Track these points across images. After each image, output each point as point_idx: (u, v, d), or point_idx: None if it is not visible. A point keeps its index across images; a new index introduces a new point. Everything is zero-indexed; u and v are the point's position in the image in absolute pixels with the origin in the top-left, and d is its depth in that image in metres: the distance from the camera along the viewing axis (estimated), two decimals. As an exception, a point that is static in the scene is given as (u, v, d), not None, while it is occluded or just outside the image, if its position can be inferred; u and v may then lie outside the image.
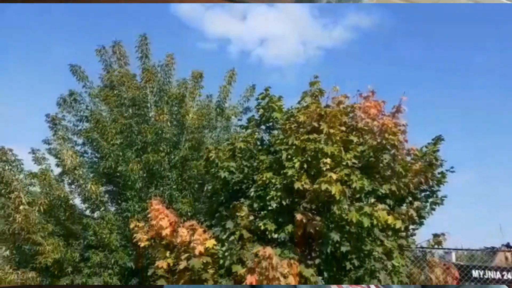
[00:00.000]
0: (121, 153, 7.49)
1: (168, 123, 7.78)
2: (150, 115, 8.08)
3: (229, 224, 6.00)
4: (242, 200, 6.31)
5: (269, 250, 5.21)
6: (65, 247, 6.66)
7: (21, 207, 6.44)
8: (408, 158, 6.42)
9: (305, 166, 5.91)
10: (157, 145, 7.65)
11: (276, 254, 5.30)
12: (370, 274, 5.56)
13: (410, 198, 6.23)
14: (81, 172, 7.11)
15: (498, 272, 7.19)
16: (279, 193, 6.06)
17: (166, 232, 6.20)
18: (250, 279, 5.18)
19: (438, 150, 6.60)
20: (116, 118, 7.72)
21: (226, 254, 5.76)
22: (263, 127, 7.36)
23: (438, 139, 6.70)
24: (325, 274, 6.25)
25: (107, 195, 7.98)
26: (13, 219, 6.43)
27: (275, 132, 6.95)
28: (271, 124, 7.24)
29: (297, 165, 5.80)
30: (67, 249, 6.69)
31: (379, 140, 6.01)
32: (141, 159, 7.58)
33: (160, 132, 7.70)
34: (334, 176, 5.42)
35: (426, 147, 6.67)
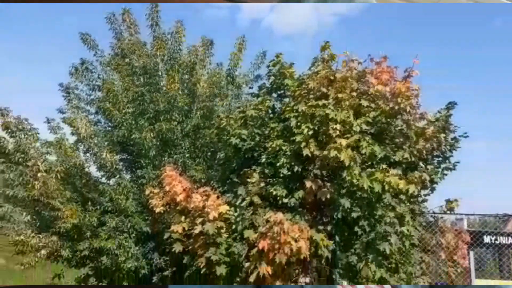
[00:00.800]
0: (133, 122, 7.55)
1: (180, 91, 7.76)
2: (162, 84, 8.06)
3: (241, 191, 6.10)
4: (253, 167, 6.39)
5: (280, 215, 5.31)
6: (82, 213, 6.86)
7: (39, 174, 6.62)
8: (421, 124, 6.34)
9: (314, 132, 5.91)
10: (169, 114, 7.67)
11: (287, 220, 5.40)
12: (381, 238, 5.63)
13: (422, 164, 6.19)
14: (95, 141, 7.22)
15: (510, 238, 7.19)
16: (289, 160, 6.10)
17: (180, 198, 6.35)
18: (262, 244, 5.30)
19: (451, 115, 6.49)
20: (127, 87, 7.73)
21: (238, 219, 5.89)
22: (274, 94, 7.31)
23: (451, 105, 6.57)
24: (337, 238, 6.38)
25: (121, 163, 8.10)
26: (32, 186, 6.62)
27: (287, 100, 6.91)
28: (282, 91, 7.19)
29: (305, 131, 5.78)
30: (85, 214, 6.88)
31: (391, 105, 5.92)
32: (154, 127, 7.63)
33: (172, 100, 7.70)
34: (344, 143, 5.40)
35: (439, 112, 6.56)
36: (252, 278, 5.49)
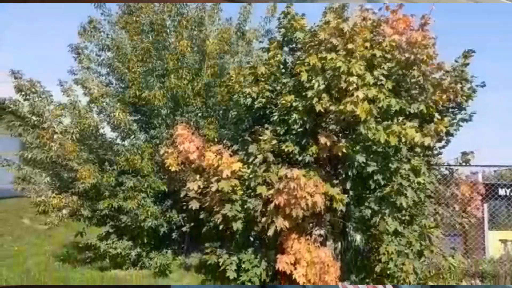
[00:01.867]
0: (143, 80, 7.49)
1: (189, 48, 7.61)
2: (170, 41, 7.90)
3: (253, 148, 6.12)
4: (266, 125, 6.36)
5: (296, 171, 5.34)
6: (100, 173, 6.99)
7: (55, 136, 6.71)
8: (438, 75, 6.15)
9: (326, 87, 5.77)
10: (179, 72, 7.57)
11: (302, 175, 5.43)
12: (396, 192, 5.64)
13: (439, 116, 6.07)
14: (108, 101, 7.23)
15: (524, 190, 7.17)
16: (301, 116, 6.03)
17: (193, 156, 6.42)
18: (279, 199, 5.38)
19: (468, 64, 6.26)
20: (136, 45, 7.61)
21: (251, 176, 5.95)
22: (285, 48, 7.11)
23: (468, 53, 6.31)
24: (350, 193, 6.43)
25: (135, 124, 8.15)
26: (49, 148, 6.73)
27: (299, 53, 6.73)
28: (294, 45, 6.99)
29: (316, 86, 5.66)
30: (102, 175, 7.02)
31: (407, 56, 5.72)
32: (164, 85, 7.58)
33: (181, 58, 7.58)
34: (361, 96, 5.28)
35: (456, 61, 6.32)
36: (270, 232, 5.62)
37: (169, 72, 7.59)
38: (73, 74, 7.79)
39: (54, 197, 6.87)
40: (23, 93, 7.00)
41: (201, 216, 6.61)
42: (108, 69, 8.38)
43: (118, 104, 7.32)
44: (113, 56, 7.88)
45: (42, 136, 6.69)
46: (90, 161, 7.15)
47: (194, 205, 6.35)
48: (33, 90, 7.03)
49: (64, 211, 6.99)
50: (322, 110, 5.69)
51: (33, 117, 7.02)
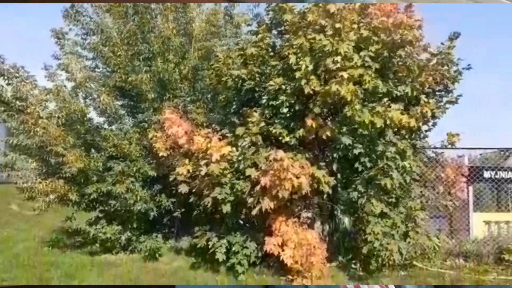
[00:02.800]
0: (129, 64, 7.38)
1: (174, 31, 7.50)
2: (157, 24, 7.76)
3: (241, 131, 6.13)
4: (254, 108, 6.35)
5: (280, 153, 5.37)
6: (87, 158, 6.94)
7: (39, 121, 6.61)
8: (424, 56, 6.18)
9: (315, 68, 5.77)
10: (165, 55, 7.48)
11: (288, 157, 5.46)
12: (383, 173, 5.71)
13: (425, 98, 6.12)
14: (93, 86, 7.13)
15: (510, 172, 7.29)
16: (289, 98, 6.04)
17: (182, 140, 6.40)
18: (264, 180, 5.42)
19: (454, 46, 6.28)
20: (120, 28, 7.47)
21: (240, 158, 5.97)
22: (274, 32, 7.08)
23: (454, 36, 6.32)
24: (338, 176, 6.50)
25: (123, 110, 8.06)
26: (34, 133, 6.64)
27: (287, 36, 6.68)
28: (282, 28, 6.95)
29: (303, 67, 5.64)
30: (90, 159, 6.98)
31: (393, 37, 5.74)
32: (150, 68, 7.49)
33: (166, 40, 7.47)
34: (345, 76, 5.30)
35: (442, 44, 6.34)
36: (254, 212, 5.68)
37: (155, 55, 7.48)
38: (56, 59, 7.65)
39: (40, 182, 6.81)
40: (5, 77, 6.85)
41: (191, 200, 6.63)
42: (94, 54, 8.23)
43: (103, 88, 7.21)
44: (98, 40, 7.73)
45: (26, 121, 6.59)
46: (77, 146, 7.08)
47: (184, 188, 6.36)
48: (16, 75, 6.88)
49: (51, 196, 6.94)
50: (311, 92, 5.69)
51: (17, 102, 6.89)
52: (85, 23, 7.90)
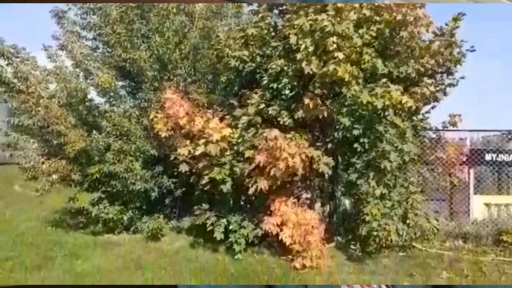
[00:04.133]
0: (128, 40, 7.29)
1: (175, 10, 7.40)
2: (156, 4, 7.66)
3: (240, 112, 6.11)
4: (255, 90, 6.32)
5: (275, 132, 5.36)
6: (89, 138, 6.96)
7: (41, 101, 6.62)
8: (427, 37, 6.10)
9: (315, 49, 5.69)
10: (164, 33, 7.40)
11: (284, 137, 5.46)
12: (381, 155, 5.70)
13: (428, 80, 6.06)
14: (93, 65, 7.09)
15: (511, 155, 7.25)
16: (291, 80, 6.00)
17: (183, 121, 6.38)
18: (259, 159, 5.44)
19: (458, 27, 6.18)
20: (119, 4, 7.36)
21: (239, 140, 5.98)
22: (275, 11, 6.98)
23: (459, 16, 6.22)
24: (339, 158, 6.50)
25: (123, 90, 8.04)
26: (36, 113, 6.66)
27: (288, 16, 6.59)
28: (284, 7, 6.85)
29: (303, 47, 5.57)
30: (92, 139, 7.00)
31: (396, 16, 5.64)
32: (149, 46, 7.41)
33: (166, 18, 7.37)
34: (341, 56, 5.24)
35: (446, 24, 6.24)
36: (251, 191, 5.72)
37: (154, 33, 7.40)
38: (56, 39, 7.59)
39: (43, 162, 6.85)
40: (5, 58, 6.82)
41: (191, 181, 6.66)
42: (93, 33, 8.17)
43: (104, 67, 7.17)
44: (97, 19, 7.65)
45: (27, 100, 6.59)
46: (78, 126, 7.09)
47: (184, 168, 6.38)
48: (16, 55, 6.86)
49: (54, 176, 6.99)
50: (311, 73, 5.64)
51: (18, 82, 6.88)
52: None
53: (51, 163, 6.91)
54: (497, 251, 6.06)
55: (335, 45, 5.26)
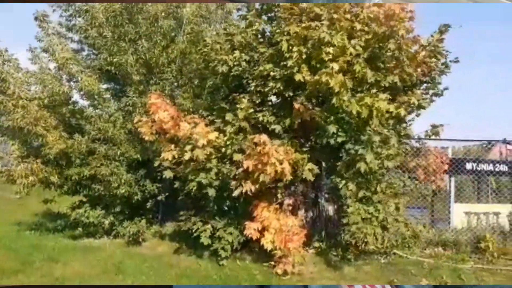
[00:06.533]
0: (115, 45, 7.25)
1: (163, 13, 7.39)
2: (145, 5, 7.63)
3: (228, 116, 6.11)
4: (242, 94, 6.33)
5: (263, 137, 5.37)
6: (70, 140, 6.86)
7: (20, 102, 6.51)
8: (414, 49, 6.21)
9: (307, 57, 5.75)
10: (152, 37, 7.38)
11: (271, 142, 5.47)
12: (358, 158, 5.72)
13: (415, 90, 6.18)
14: (76, 68, 7.01)
15: (491, 165, 7.40)
16: (278, 85, 6.02)
17: (167, 126, 6.33)
18: (247, 163, 5.44)
19: (443, 39, 6.32)
20: (106, 7, 7.31)
21: (228, 143, 5.97)
22: (264, 17, 7.02)
23: (444, 27, 6.36)
24: (323, 164, 6.54)
25: (108, 93, 7.96)
26: (14, 113, 6.54)
27: (279, 23, 6.62)
28: (272, 14, 6.90)
29: (295, 55, 5.63)
30: (73, 141, 6.89)
31: (384, 29, 5.75)
32: (136, 50, 7.38)
33: (154, 21, 7.35)
34: (336, 67, 5.30)
35: (432, 36, 6.38)
36: (235, 193, 5.71)
37: (141, 37, 7.36)
38: (39, 41, 7.49)
39: (18, 163, 6.72)
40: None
41: (176, 186, 6.60)
42: (79, 35, 8.09)
43: (87, 70, 7.10)
44: (83, 21, 7.58)
45: (5, 102, 6.47)
46: (60, 128, 6.98)
47: (168, 174, 6.33)
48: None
49: (31, 178, 6.83)
50: (302, 80, 5.68)
51: (-1, 83, 6.76)
52: (71, 4, 7.73)
53: (27, 165, 6.76)
54: (475, 259, 6.15)
55: (330, 56, 5.30)
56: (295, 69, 5.72)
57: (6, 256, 6.42)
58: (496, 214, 7.09)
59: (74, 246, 7.07)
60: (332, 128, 5.75)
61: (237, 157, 5.80)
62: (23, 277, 5.54)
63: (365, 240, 5.54)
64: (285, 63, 5.86)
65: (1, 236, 7.44)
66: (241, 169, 5.57)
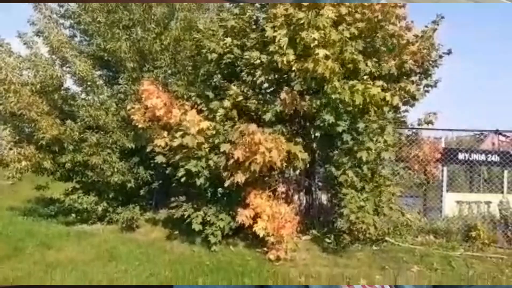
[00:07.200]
0: (108, 31, 7.16)
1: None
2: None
3: (214, 105, 6.08)
4: (234, 82, 6.29)
5: (252, 126, 5.35)
6: (62, 126, 6.81)
7: (12, 87, 6.44)
8: (407, 36, 6.19)
9: (291, 41, 5.64)
10: (146, 24, 7.29)
11: (261, 131, 5.46)
12: (359, 147, 5.75)
13: (409, 78, 6.18)
14: (70, 52, 6.92)
15: (483, 155, 7.45)
16: (265, 72, 5.97)
17: (160, 112, 6.28)
18: (237, 154, 5.42)
19: (436, 29, 6.31)
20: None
21: (213, 132, 5.96)
22: (257, 5, 6.94)
23: (438, 18, 6.34)
24: (318, 152, 6.55)
25: (101, 80, 7.89)
26: (6, 98, 6.48)
27: (266, 9, 6.56)
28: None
29: (278, 38, 5.52)
30: (66, 128, 6.84)
31: (378, 15, 5.70)
32: (130, 37, 7.30)
33: (148, 8, 7.27)
34: (321, 53, 5.23)
35: (426, 26, 6.37)
36: (227, 184, 5.72)
37: (135, 23, 7.28)
38: (33, 24, 7.38)
39: (10, 148, 6.67)
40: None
41: (168, 172, 6.59)
42: (72, 21, 7.99)
43: (81, 56, 7.02)
44: (76, 6, 7.47)
45: (-2, 85, 6.40)
46: (52, 114, 6.92)
47: (160, 159, 6.31)
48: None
49: (23, 163, 6.79)
50: (285, 67, 5.62)
51: (-11, 68, 6.67)
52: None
53: (20, 150, 6.72)
54: (466, 246, 6.22)
55: (316, 42, 5.24)
56: (277, 55, 5.62)
57: (-1, 241, 6.40)
58: (487, 203, 7.15)
59: (67, 232, 7.06)
60: (329, 117, 5.72)
61: (225, 147, 5.78)
62: (15, 262, 5.53)
63: (367, 231, 5.58)
64: (270, 48, 5.79)
65: (-7, 222, 7.41)
66: (232, 160, 5.54)
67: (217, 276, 5.10)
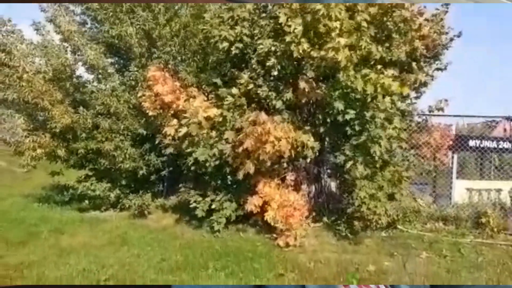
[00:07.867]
0: (116, 16, 7.15)
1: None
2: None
3: (225, 93, 6.09)
4: (244, 71, 6.27)
5: (263, 116, 5.36)
6: (75, 114, 6.90)
7: (24, 76, 6.51)
8: (418, 21, 6.10)
9: (306, 30, 5.62)
10: (154, 9, 7.27)
11: (271, 120, 5.46)
12: (371, 140, 5.74)
13: (415, 66, 6.10)
14: (81, 40, 6.96)
15: (494, 142, 7.37)
16: (279, 61, 5.95)
17: (168, 99, 6.30)
18: (247, 143, 5.43)
19: (447, 12, 6.20)
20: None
21: (220, 120, 5.98)
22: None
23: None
24: (327, 140, 6.55)
25: (112, 68, 7.94)
26: (19, 87, 6.55)
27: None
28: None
29: (292, 28, 5.51)
30: (78, 116, 6.93)
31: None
32: (138, 22, 7.30)
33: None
34: (342, 42, 5.20)
35: (437, 9, 6.27)
36: (240, 176, 5.76)
37: (143, 8, 7.27)
38: (44, 11, 7.42)
39: (27, 136, 6.78)
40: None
41: (177, 160, 6.66)
42: (82, 8, 8.00)
43: (92, 43, 7.06)
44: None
45: (11, 74, 6.47)
46: (65, 102, 7.01)
47: (169, 149, 6.37)
48: (3, 29, 6.71)
49: (38, 151, 6.91)
50: (299, 56, 5.60)
51: (2, 55, 6.74)
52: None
53: (35, 138, 6.83)
54: (475, 233, 6.22)
55: (337, 30, 5.19)
56: (293, 45, 5.58)
57: (13, 227, 6.57)
58: (498, 190, 7.10)
59: (81, 218, 7.21)
60: (340, 105, 5.70)
61: (229, 134, 5.79)
62: (30, 246, 5.69)
63: (379, 221, 5.60)
64: (284, 38, 5.75)
65: (9, 208, 7.59)
66: (240, 149, 5.56)
67: (227, 261, 5.19)
